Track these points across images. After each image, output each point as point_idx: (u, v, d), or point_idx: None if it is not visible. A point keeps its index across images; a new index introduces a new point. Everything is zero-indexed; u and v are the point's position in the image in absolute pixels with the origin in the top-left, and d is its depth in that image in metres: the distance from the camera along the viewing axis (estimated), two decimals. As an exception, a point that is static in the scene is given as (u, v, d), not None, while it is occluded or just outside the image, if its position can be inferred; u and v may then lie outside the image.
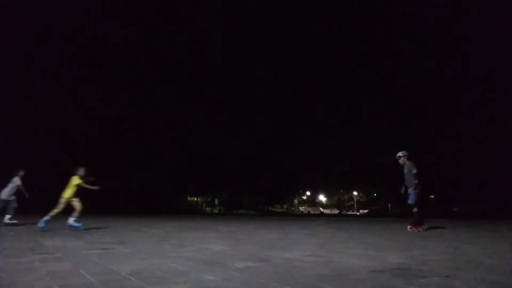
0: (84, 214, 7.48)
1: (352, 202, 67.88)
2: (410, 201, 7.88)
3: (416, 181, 7.81)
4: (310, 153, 50.01)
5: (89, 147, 33.11)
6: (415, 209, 7.81)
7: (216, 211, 50.55)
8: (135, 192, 36.22)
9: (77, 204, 7.06)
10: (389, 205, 50.62)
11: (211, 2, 51.39)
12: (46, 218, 6.71)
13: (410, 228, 7.96)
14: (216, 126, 45.97)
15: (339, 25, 53.99)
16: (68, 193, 6.99)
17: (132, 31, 40.02)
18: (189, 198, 53.64)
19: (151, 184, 38.40)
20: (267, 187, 50.34)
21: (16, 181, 9.27)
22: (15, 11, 31.63)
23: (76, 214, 7.07)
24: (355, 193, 65.64)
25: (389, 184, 44.88)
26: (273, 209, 60.38)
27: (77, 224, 7.00)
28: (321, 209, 61.28)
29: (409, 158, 8.24)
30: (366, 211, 50.93)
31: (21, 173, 9.45)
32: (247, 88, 50.40)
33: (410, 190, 7.85)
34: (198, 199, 54.29)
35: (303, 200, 72.69)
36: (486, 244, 4.92)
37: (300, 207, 65.84)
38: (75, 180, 7.09)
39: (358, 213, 54.24)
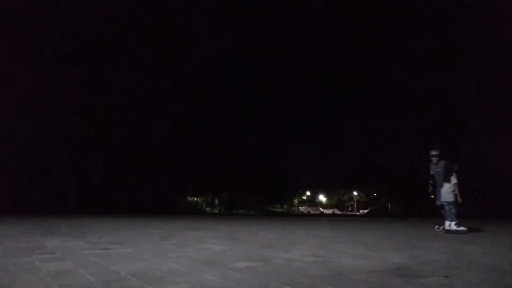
0: (82, 213, 7.44)
1: (352, 202, 67.89)
2: (439, 202, 7.69)
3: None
4: (310, 153, 50.07)
5: (89, 147, 33.11)
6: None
7: (216, 211, 50.54)
8: (135, 192, 36.21)
9: None
10: (389, 205, 50.64)
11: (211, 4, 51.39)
12: None
13: (437, 228, 7.96)
14: (216, 126, 46.01)
15: (339, 23, 54.07)
16: None
17: (132, 32, 40.01)
18: (189, 198, 53.61)
19: (151, 184, 38.40)
20: (267, 187, 50.32)
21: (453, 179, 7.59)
22: (15, 11, 31.64)
23: None
24: (355, 193, 65.66)
25: (389, 184, 44.91)
26: (273, 209, 60.34)
27: None
28: (321, 209, 61.29)
29: (442, 157, 7.83)
30: (366, 211, 50.99)
31: (456, 167, 7.75)
32: (247, 88, 50.51)
33: (439, 190, 7.67)
34: (198, 199, 54.27)
35: (303, 200, 72.65)
36: (486, 244, 4.93)
37: (300, 207, 65.81)
38: None
39: (358, 213, 54.26)
